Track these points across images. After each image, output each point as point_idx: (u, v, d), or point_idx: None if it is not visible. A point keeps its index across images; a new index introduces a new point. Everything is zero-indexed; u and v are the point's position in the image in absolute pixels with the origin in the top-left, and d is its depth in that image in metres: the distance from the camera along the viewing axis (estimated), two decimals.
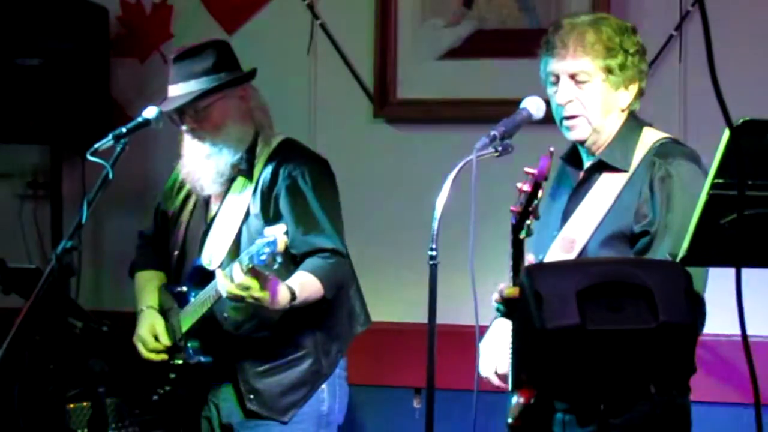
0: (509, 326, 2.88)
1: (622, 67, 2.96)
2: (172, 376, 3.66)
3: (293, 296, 3.37)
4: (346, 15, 4.76)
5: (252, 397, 3.57)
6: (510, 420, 2.82)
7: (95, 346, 4.03)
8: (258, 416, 3.58)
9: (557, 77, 2.98)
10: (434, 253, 2.85)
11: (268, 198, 3.54)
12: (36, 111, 4.69)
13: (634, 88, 3.00)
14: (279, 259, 3.21)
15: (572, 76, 2.96)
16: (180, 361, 3.63)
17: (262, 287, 3.28)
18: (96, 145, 3.31)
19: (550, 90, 3.00)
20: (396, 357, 4.59)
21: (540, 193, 2.71)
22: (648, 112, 3.10)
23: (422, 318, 2.91)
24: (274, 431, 3.58)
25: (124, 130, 3.38)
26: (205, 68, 3.54)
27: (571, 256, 2.94)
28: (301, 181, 3.54)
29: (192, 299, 3.60)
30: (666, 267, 2.58)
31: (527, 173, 2.71)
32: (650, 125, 3.06)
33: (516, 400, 2.81)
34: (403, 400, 4.63)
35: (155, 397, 3.67)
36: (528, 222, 2.72)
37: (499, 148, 2.90)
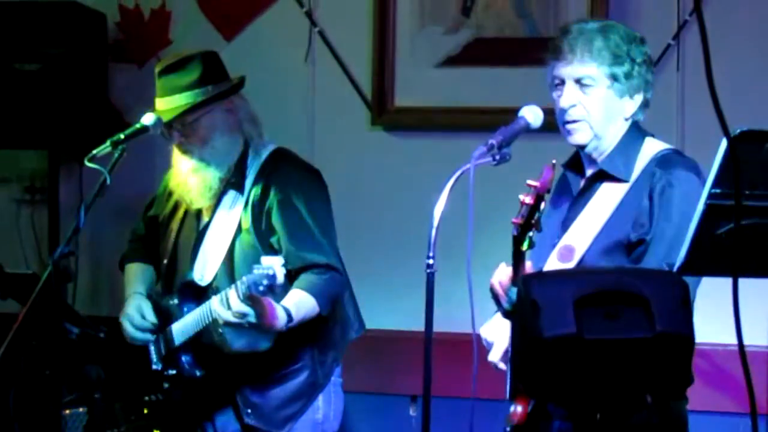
0: None
1: (628, 75, 2.96)
2: (166, 385, 3.65)
3: (290, 318, 3.36)
4: (345, 22, 4.76)
5: (249, 411, 3.57)
6: (507, 429, 2.82)
7: (91, 352, 4.02)
8: (256, 430, 3.58)
9: (562, 81, 2.98)
10: (431, 261, 2.85)
11: (260, 212, 3.51)
12: (34, 116, 4.68)
13: (638, 98, 3.00)
14: (278, 291, 3.21)
15: (577, 81, 2.96)
16: (174, 372, 3.62)
17: (259, 314, 3.27)
18: (94, 151, 3.31)
19: (555, 94, 3.00)
20: (392, 365, 4.59)
21: (542, 206, 2.69)
22: (645, 120, 3.10)
23: (419, 326, 2.90)
24: None
25: (122, 136, 3.38)
26: (192, 81, 3.50)
27: (570, 264, 2.94)
28: (294, 195, 3.50)
29: (185, 312, 3.57)
30: (663, 276, 2.58)
31: (529, 185, 2.69)
32: (652, 136, 3.05)
33: (513, 408, 2.81)
34: (400, 407, 4.62)
35: (147, 398, 3.66)
36: (530, 234, 2.70)
37: (497, 157, 2.89)
